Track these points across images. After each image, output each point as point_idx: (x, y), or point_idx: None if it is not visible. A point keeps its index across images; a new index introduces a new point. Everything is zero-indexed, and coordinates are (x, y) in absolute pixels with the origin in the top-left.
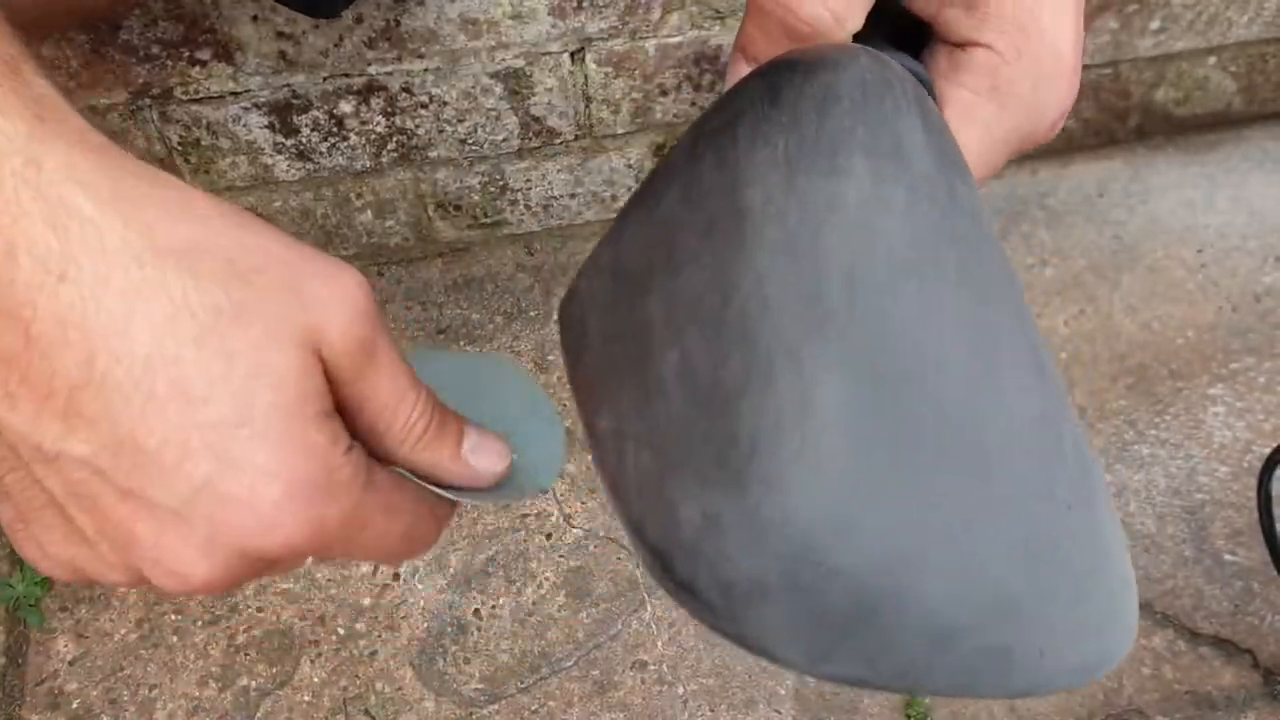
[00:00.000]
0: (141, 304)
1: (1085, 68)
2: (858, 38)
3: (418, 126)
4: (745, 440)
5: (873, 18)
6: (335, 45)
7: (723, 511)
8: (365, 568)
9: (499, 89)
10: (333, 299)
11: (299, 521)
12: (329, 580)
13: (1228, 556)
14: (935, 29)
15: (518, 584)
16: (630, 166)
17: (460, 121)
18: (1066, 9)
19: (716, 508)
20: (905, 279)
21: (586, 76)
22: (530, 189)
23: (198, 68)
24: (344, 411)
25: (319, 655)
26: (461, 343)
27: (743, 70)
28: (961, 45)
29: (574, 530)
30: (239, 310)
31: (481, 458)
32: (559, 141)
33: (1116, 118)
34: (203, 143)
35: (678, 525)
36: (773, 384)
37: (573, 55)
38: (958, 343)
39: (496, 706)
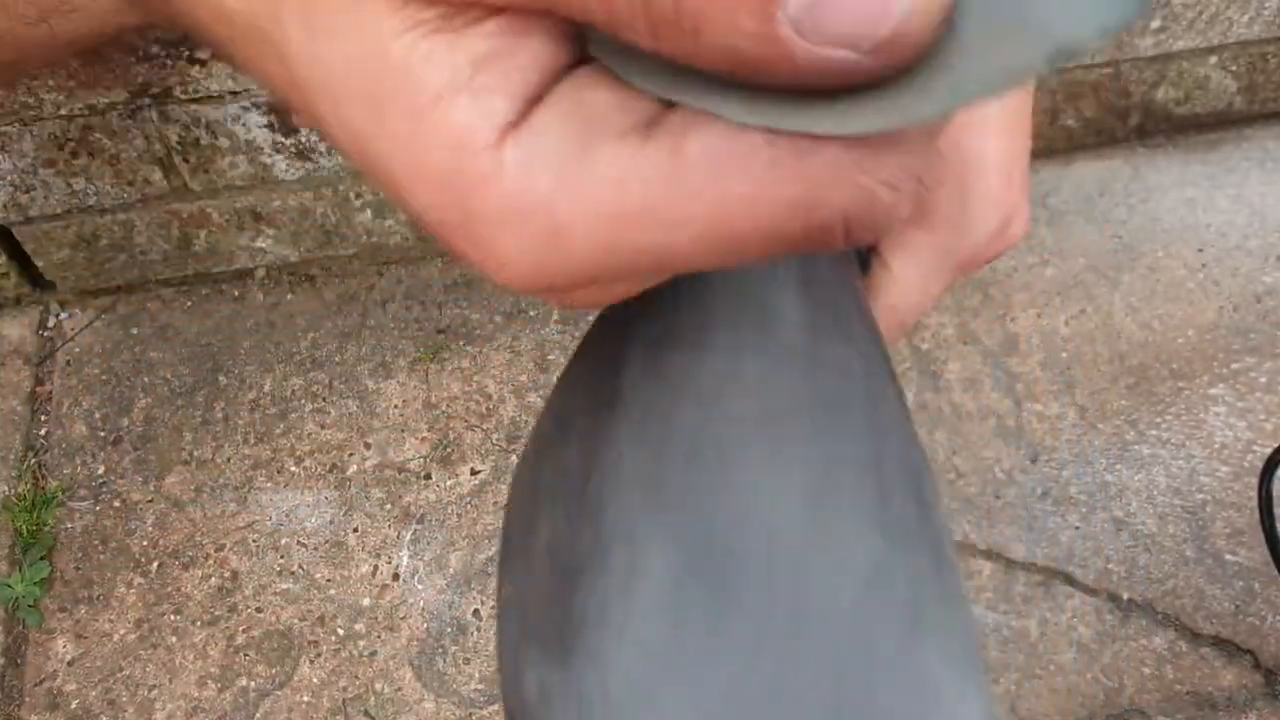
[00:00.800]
0: None
1: (1086, 67)
2: None
3: None
4: (577, 616)
5: None
6: None
7: (552, 683)
8: (365, 568)
9: None
10: None
11: None
12: (328, 581)
13: (1229, 556)
14: None
15: None
16: None
17: None
18: (989, 131)
19: (549, 678)
20: (746, 448)
21: None
22: None
23: (197, 67)
24: None
25: (318, 656)
26: (461, 343)
27: None
28: None
29: None
30: None
31: None
32: None
33: (1117, 117)
34: (202, 142)
35: (522, 692)
36: (606, 562)
37: None
38: (793, 507)
39: (496, 707)
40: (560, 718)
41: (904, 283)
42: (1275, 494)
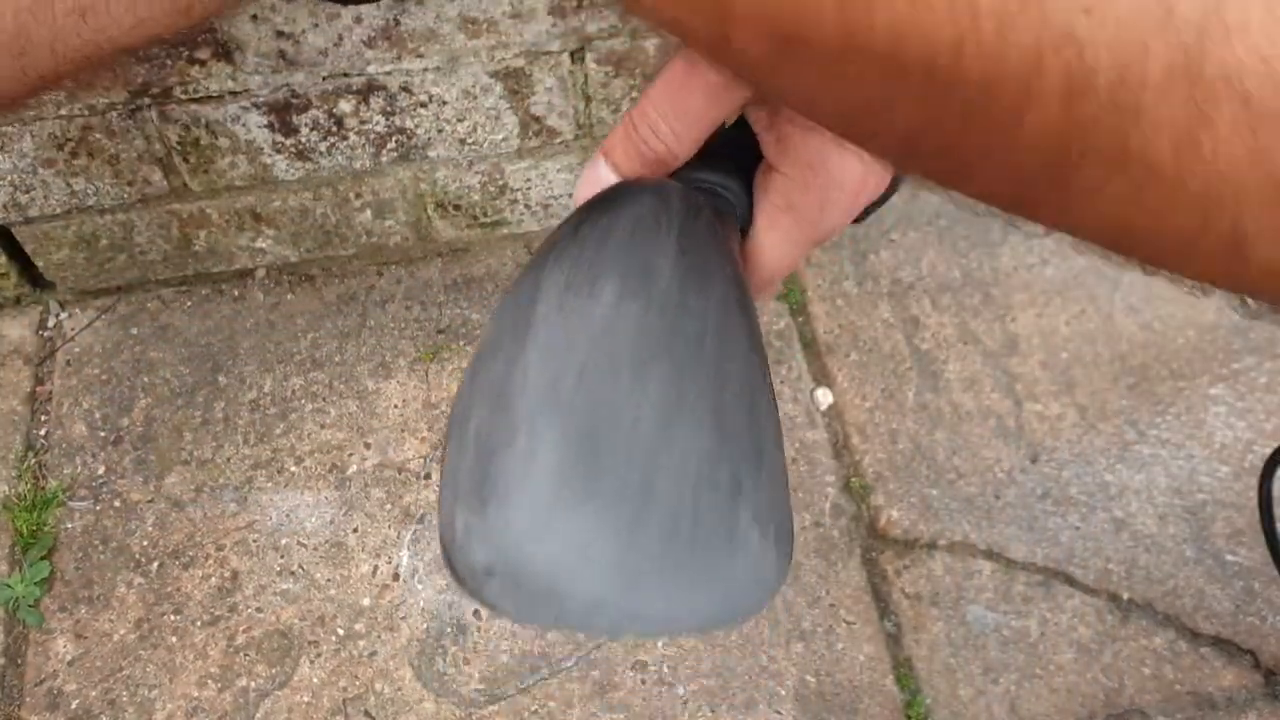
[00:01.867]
0: None
1: None
2: (717, 148)
3: (417, 126)
4: (491, 480)
5: (732, 132)
6: (335, 44)
7: (473, 523)
8: (365, 568)
9: (499, 88)
10: None
11: None
12: (328, 580)
13: (1229, 556)
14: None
15: None
16: None
17: (460, 121)
18: (850, 152)
19: (471, 521)
20: (621, 371)
21: (586, 76)
22: (530, 188)
23: (197, 67)
24: None
25: (318, 656)
26: (461, 343)
27: (600, 170)
28: (771, 167)
29: None
30: None
31: None
32: (559, 141)
33: None
34: (202, 142)
35: (453, 531)
36: (514, 444)
37: (573, 55)
38: (650, 414)
39: (496, 707)
40: (477, 544)
41: (771, 253)
42: (1275, 494)
